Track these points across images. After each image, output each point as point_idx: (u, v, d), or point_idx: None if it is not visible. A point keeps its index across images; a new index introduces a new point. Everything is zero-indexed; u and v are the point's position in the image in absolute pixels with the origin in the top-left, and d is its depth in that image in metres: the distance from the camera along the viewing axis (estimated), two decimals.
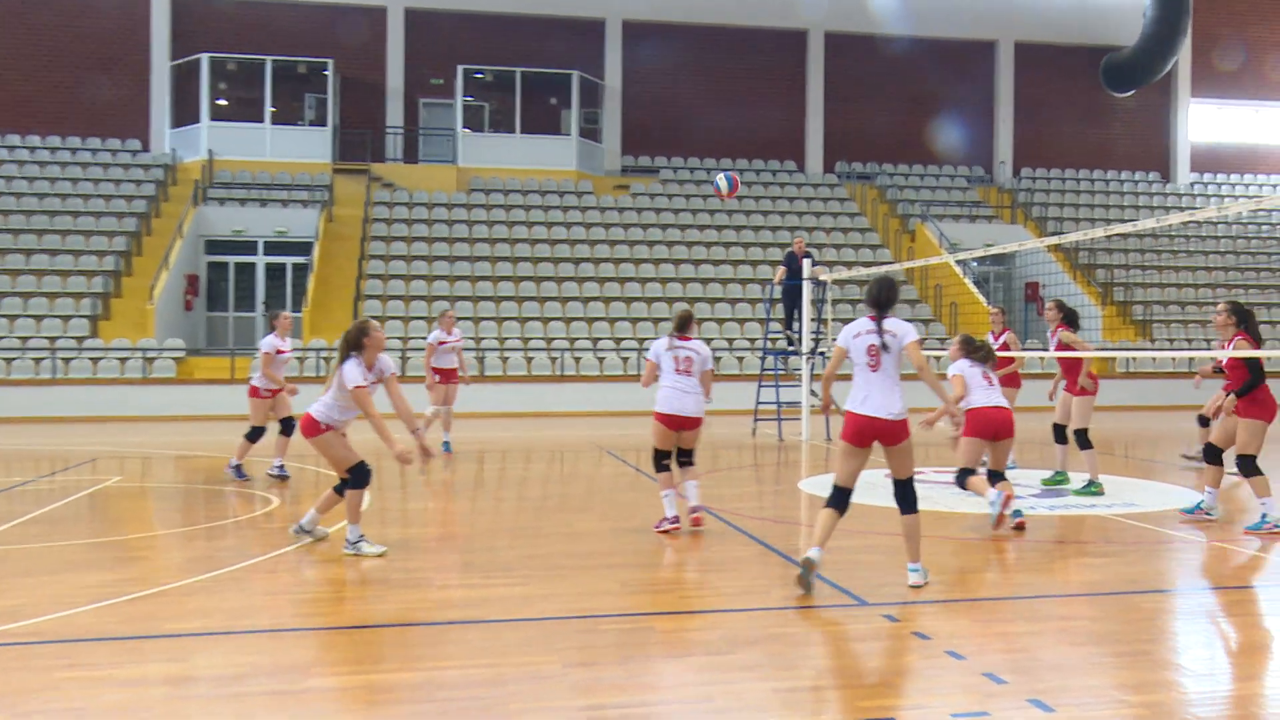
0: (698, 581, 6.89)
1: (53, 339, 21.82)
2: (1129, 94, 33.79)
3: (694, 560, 7.50)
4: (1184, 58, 33.65)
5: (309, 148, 28.89)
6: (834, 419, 14.94)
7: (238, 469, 11.31)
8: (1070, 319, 10.64)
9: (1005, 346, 11.94)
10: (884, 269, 16.85)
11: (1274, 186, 34.47)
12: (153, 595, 6.30)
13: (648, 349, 8.67)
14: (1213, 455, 8.80)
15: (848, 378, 6.65)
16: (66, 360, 21.29)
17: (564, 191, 29.44)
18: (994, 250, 12.92)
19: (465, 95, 30.04)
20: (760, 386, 17.46)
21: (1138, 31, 32.36)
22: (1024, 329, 27.45)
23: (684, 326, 8.60)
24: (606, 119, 31.33)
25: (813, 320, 16.32)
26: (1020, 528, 8.35)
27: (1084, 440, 10.40)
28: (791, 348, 17.39)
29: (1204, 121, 35.07)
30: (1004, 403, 8.68)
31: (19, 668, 4.96)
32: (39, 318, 22.49)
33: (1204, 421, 12.90)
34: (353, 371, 7.29)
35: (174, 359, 21.88)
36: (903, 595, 6.31)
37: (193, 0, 29.20)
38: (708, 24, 31.55)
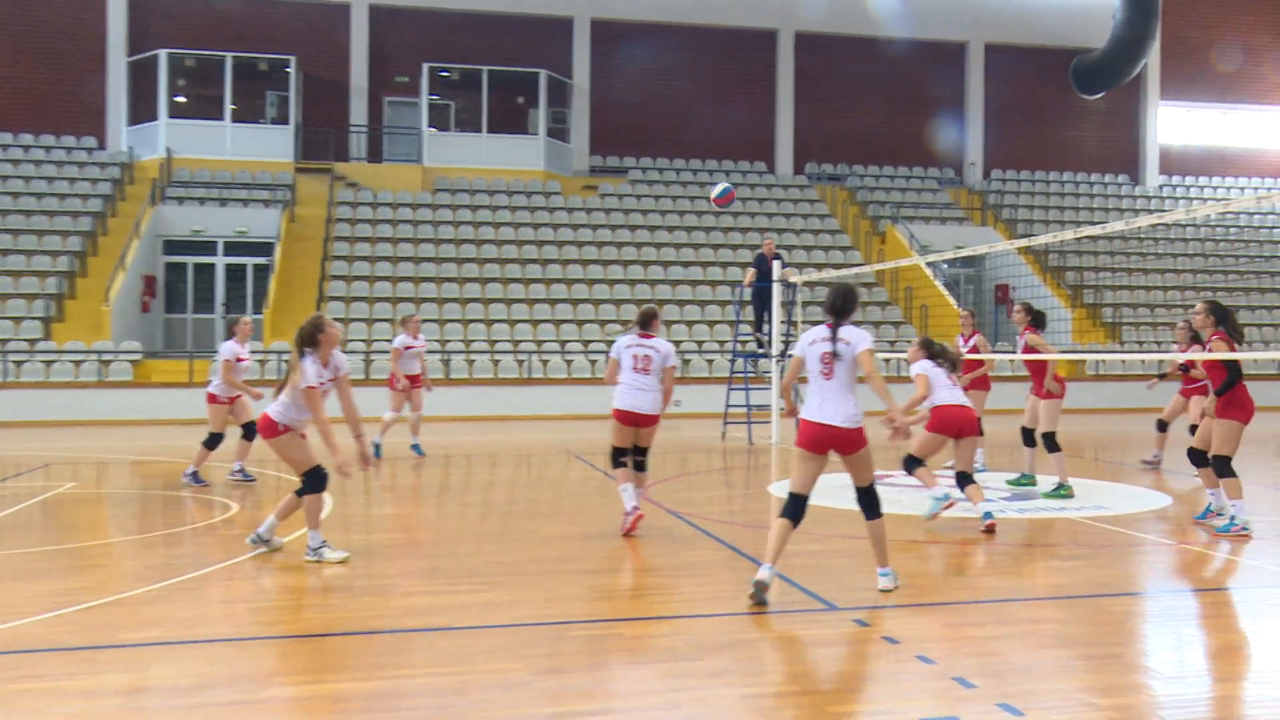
0: (666, 586, 6.90)
1: (4, 341, 21.52)
2: (1098, 96, 34.20)
3: (662, 565, 7.51)
4: (1153, 60, 34.10)
5: (270, 146, 28.67)
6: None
7: (194, 475, 11.20)
8: (1037, 321, 10.76)
9: (975, 349, 12.05)
10: (854, 271, 16.96)
11: (1241, 189, 34.97)
12: (108, 604, 6.22)
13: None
14: (1198, 459, 8.86)
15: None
16: (19, 363, 21.00)
17: (531, 192, 29.39)
18: (964, 252, 13.03)
19: (431, 94, 29.92)
20: (730, 389, 17.51)
21: (1107, 34, 32.78)
22: (994, 332, 27.67)
23: (646, 324, 8.66)
24: (574, 119, 31.32)
25: (783, 322, 16.38)
26: (990, 530, 8.45)
27: (1051, 443, 10.50)
28: (761, 350, 17.45)
29: (1173, 124, 35.53)
30: (967, 401, 8.99)
31: None
32: None
33: (1162, 426, 13.07)
34: (309, 370, 7.25)
35: (130, 362, 21.64)
36: (872, 599, 6.35)
37: None
38: (677, 23, 31.62)
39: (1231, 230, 32.70)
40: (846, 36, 32.52)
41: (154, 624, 5.81)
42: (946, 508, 8.76)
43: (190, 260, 26.44)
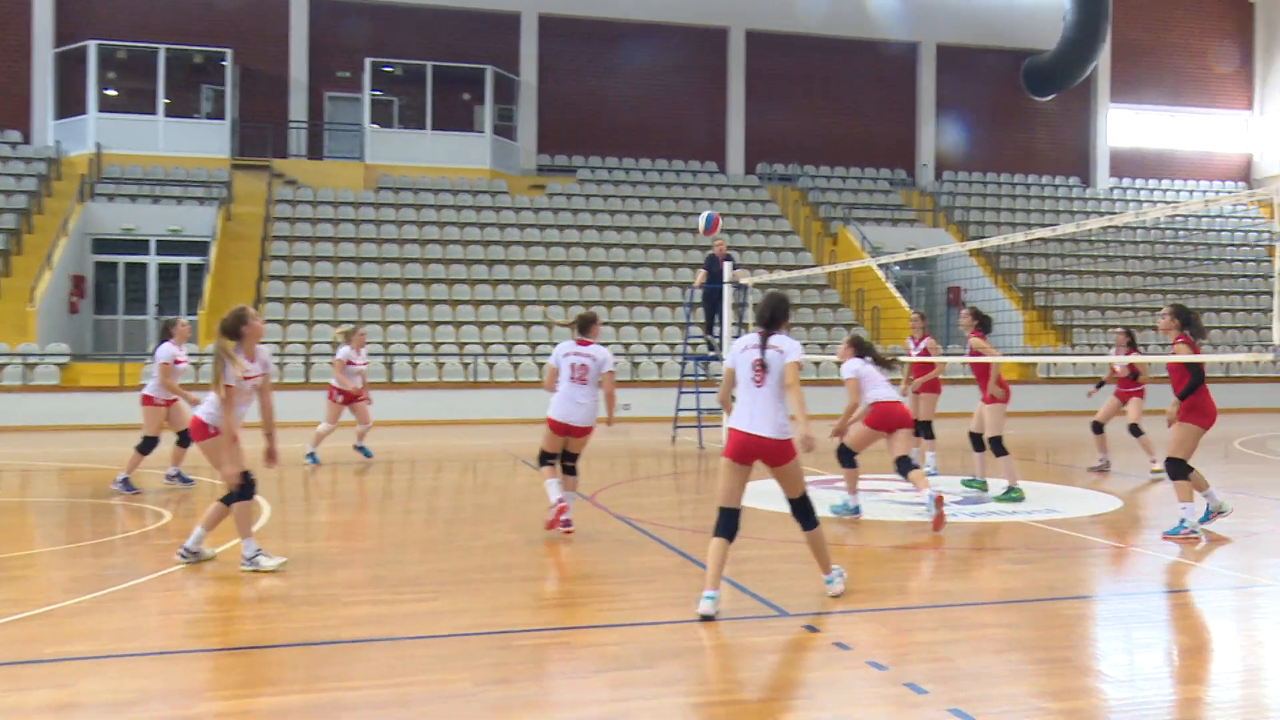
0: (615, 593, 6.90)
1: None
2: (1049, 98, 34.80)
3: (611, 572, 7.51)
4: (1103, 63, 34.75)
5: (205, 142, 28.28)
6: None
7: (125, 482, 11.00)
8: (984, 326, 10.92)
9: (926, 353, 12.18)
10: (806, 273, 17.08)
11: (1190, 193, 35.72)
12: (34, 617, 6.10)
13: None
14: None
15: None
16: None
17: (477, 191, 29.27)
18: (916, 254, 13.17)
19: (373, 89, 29.68)
20: (680, 393, 17.55)
21: (1058, 35, 33.35)
22: (946, 334, 27.99)
23: (584, 329, 8.73)
24: (522, 116, 31.24)
25: (734, 325, 16.45)
26: (939, 518, 8.82)
27: (999, 447, 10.66)
28: (712, 353, 17.51)
29: (1123, 126, 36.22)
30: (898, 396, 9.40)
31: None
32: None
33: (1098, 428, 13.36)
34: (228, 370, 7.16)
35: (57, 365, 21.23)
36: (823, 605, 6.40)
37: None
38: (626, 19, 31.66)
39: (1180, 233, 33.39)
40: (798, 35, 32.77)
41: (83, 637, 5.71)
42: (855, 514, 9.45)
43: (121, 259, 26.00)
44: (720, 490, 6.37)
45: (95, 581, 7.00)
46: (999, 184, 34.39)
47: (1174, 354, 8.62)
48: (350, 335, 14.04)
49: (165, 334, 11.22)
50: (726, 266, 16.40)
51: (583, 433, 8.65)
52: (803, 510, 6.47)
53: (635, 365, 23.23)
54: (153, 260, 26.12)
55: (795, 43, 32.83)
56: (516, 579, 7.27)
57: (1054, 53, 33.53)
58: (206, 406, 7.36)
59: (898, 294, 26.57)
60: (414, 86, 30.06)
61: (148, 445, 11.10)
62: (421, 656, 5.39)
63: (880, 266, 26.22)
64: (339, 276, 25.11)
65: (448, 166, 29.66)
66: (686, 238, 28.48)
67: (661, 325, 25.05)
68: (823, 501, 10.03)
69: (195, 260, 25.75)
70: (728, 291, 16.34)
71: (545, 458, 8.77)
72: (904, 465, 9.15)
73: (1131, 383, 13.12)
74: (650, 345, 24.29)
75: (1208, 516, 8.98)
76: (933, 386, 12.37)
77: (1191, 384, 8.45)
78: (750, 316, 17.38)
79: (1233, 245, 32.98)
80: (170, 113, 28.30)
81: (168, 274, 26.25)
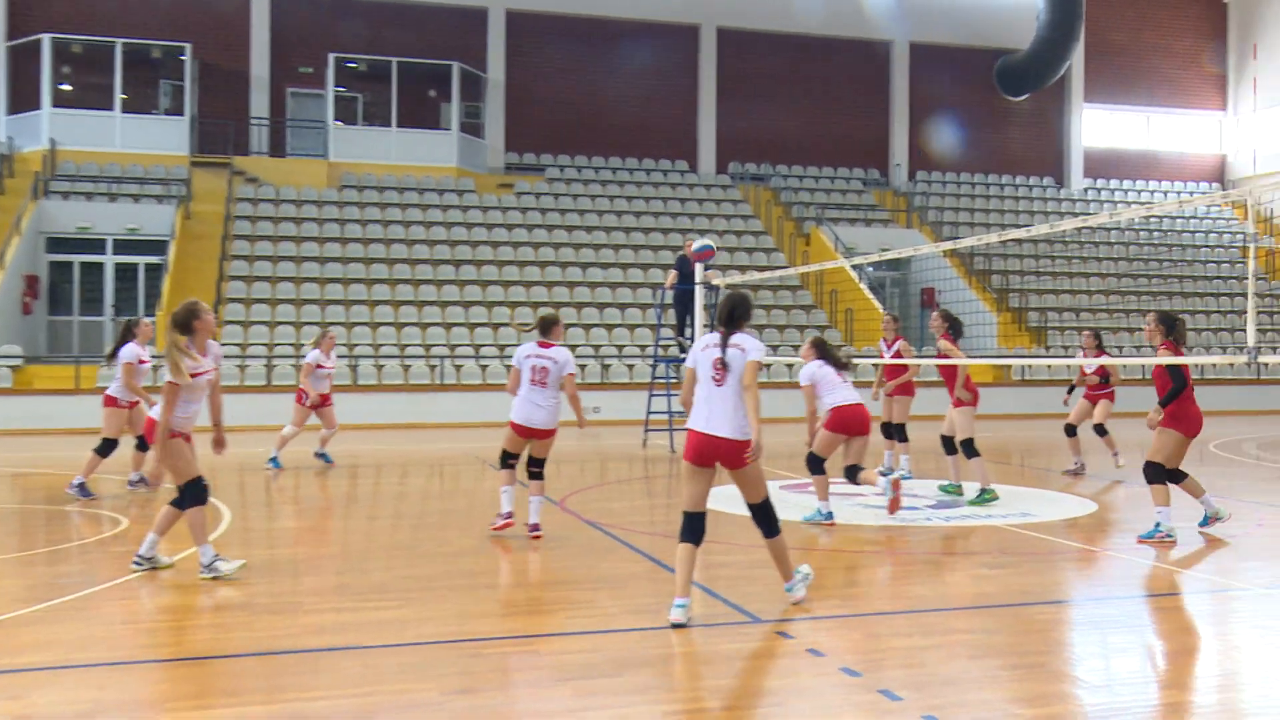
0: (585, 600, 6.88)
1: None
2: (1023, 98, 35.09)
3: (580, 578, 7.49)
4: (1077, 63, 35.08)
5: (164, 139, 28.04)
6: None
7: (82, 487, 10.88)
8: (955, 329, 11.00)
9: (899, 355, 12.24)
10: (778, 273, 17.13)
11: (1165, 193, 36.11)
12: None
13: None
14: (1173, 476, 8.99)
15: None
16: None
17: (443, 190, 29.17)
18: (889, 255, 13.24)
19: (337, 85, 29.52)
20: (651, 396, 17.54)
21: (1032, 35, 33.63)
22: (920, 336, 28.16)
23: (546, 330, 8.79)
24: (489, 114, 31.17)
25: (705, 327, 16.46)
26: (895, 502, 9.31)
27: (970, 449, 10.74)
28: (683, 355, 17.51)
29: (1097, 126, 36.58)
30: (858, 399, 9.44)
31: None
32: None
33: (1071, 431, 13.50)
34: (176, 365, 7.11)
35: (10, 367, 20.98)
36: (796, 611, 6.41)
37: None
38: (595, 15, 31.66)
39: (1155, 234, 33.75)
40: (770, 33, 32.89)
41: (36, 647, 5.64)
42: (829, 520, 9.36)
43: (76, 259, 25.73)
44: (685, 495, 6.35)
45: (49, 590, 6.92)
46: (973, 184, 34.64)
47: (1157, 360, 8.70)
48: (321, 339, 14.00)
49: (127, 334, 11.10)
50: (698, 267, 16.42)
51: (545, 435, 8.71)
52: (764, 516, 6.42)
53: (605, 368, 23.22)
54: (109, 260, 25.86)
55: (767, 40, 32.94)
56: (484, 586, 7.24)
57: (1028, 52, 33.83)
58: (161, 406, 7.29)
59: (871, 295, 26.70)
60: (379, 83, 29.93)
61: (106, 448, 10.99)
62: (386, 665, 5.36)
63: (854, 267, 26.34)
64: (302, 277, 24.95)
65: (413, 165, 29.54)
66: (657, 238, 28.50)
67: (632, 327, 25.05)
68: (796, 507, 10.10)
69: (153, 260, 25.52)
70: (699, 293, 16.35)
71: (506, 457, 8.87)
72: (852, 472, 9.28)
73: (1102, 385, 13.25)
74: (621, 347, 24.29)
75: (1206, 522, 9.06)
76: (906, 389, 12.44)
77: (1173, 391, 8.53)
78: None
79: (1207, 247, 33.37)
80: (127, 108, 28.03)
81: (125, 274, 25.99)
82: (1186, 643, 6.15)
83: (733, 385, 6.23)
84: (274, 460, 13.65)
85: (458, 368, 22.66)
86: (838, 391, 9.34)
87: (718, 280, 16.77)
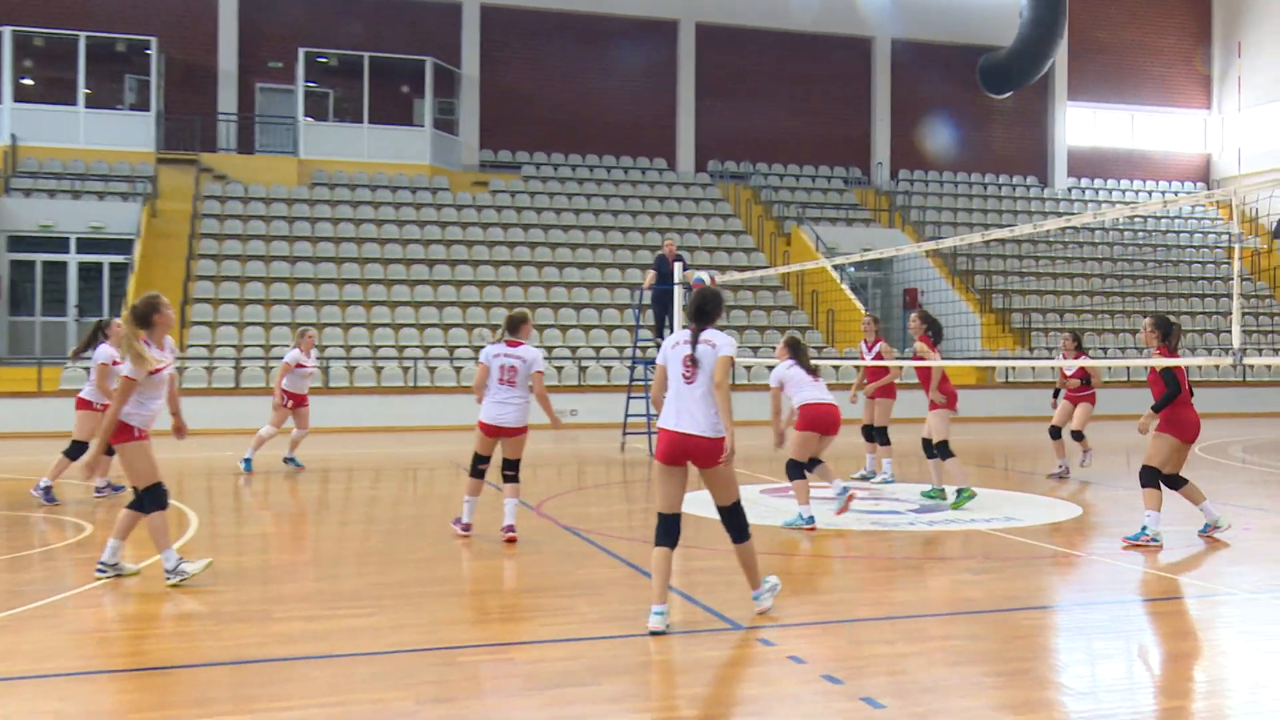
0: (562, 607, 6.87)
1: None
2: (1006, 96, 35.27)
3: (557, 584, 7.48)
4: (1061, 61, 35.29)
5: (129, 135, 27.84)
6: None
7: (47, 491, 10.80)
8: (934, 330, 11.05)
9: (879, 357, 12.28)
10: (759, 273, 17.16)
11: (1149, 193, 36.38)
12: None
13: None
14: (1171, 482, 9.05)
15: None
16: None
17: (417, 187, 29.09)
18: (871, 255, 13.27)
19: (307, 81, 29.38)
20: (629, 398, 17.54)
21: (1014, 32, 33.81)
22: (902, 338, 28.27)
23: (514, 329, 8.84)
24: (464, 110, 31.10)
25: (685, 327, 16.46)
26: (847, 505, 9.50)
27: (945, 451, 10.79)
28: None
29: (1081, 125, 36.82)
30: (832, 399, 9.54)
31: None
32: None
33: (1055, 433, 13.59)
34: (128, 360, 7.11)
35: None
36: (777, 617, 6.41)
37: None
38: (573, 10, 31.64)
39: (1140, 234, 33.99)
40: (750, 29, 32.95)
41: None
42: (808, 528, 9.37)
43: (39, 258, 25.52)
44: (658, 496, 6.33)
45: (11, 598, 6.86)
46: (956, 183, 34.80)
47: (1146, 362, 8.78)
48: (301, 337, 13.96)
49: (99, 335, 11.00)
50: (677, 267, 16.43)
51: (514, 434, 8.72)
52: (733, 520, 6.37)
53: (583, 369, 23.21)
54: (73, 259, 25.66)
55: (747, 37, 33.00)
56: (459, 592, 7.22)
57: (1010, 49, 34.01)
58: (126, 406, 7.23)
59: (853, 296, 26.79)
60: (350, 78, 29.82)
61: (76, 450, 10.89)
62: (360, 674, 5.33)
63: (835, 268, 26.42)
64: (271, 277, 24.82)
65: (386, 162, 29.44)
66: (635, 237, 28.51)
67: (610, 328, 25.05)
68: (777, 511, 10.11)
69: (118, 259, 25.34)
70: (678, 293, 16.36)
71: (477, 461, 8.91)
72: (812, 463, 9.48)
73: (1083, 388, 13.32)
74: (598, 348, 24.28)
75: (1206, 529, 9.12)
76: (887, 391, 12.48)
77: (1167, 396, 8.59)
78: None
79: (1192, 247, 33.64)
80: (91, 104, 27.80)
81: (89, 273, 25.80)
82: (1172, 648, 6.18)
83: (703, 383, 6.21)
84: (247, 462, 13.61)
85: (431, 370, 22.60)
86: (806, 390, 9.42)
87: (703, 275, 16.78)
